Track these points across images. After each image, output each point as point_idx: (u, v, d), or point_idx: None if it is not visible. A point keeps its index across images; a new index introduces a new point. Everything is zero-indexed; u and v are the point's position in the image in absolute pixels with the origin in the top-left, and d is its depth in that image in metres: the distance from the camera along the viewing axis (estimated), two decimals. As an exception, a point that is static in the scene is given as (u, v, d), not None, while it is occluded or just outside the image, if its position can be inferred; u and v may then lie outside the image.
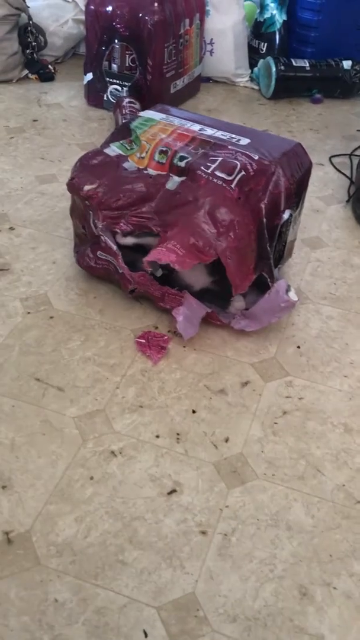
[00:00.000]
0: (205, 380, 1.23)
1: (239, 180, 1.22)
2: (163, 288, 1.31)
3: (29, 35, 2.46)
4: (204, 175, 1.22)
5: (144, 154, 1.30)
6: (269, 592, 0.90)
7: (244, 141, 1.33)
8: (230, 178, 1.21)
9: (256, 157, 1.26)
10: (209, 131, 1.35)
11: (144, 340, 1.29)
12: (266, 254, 1.26)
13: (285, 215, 1.29)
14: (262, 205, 1.24)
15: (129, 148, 1.33)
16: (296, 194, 1.33)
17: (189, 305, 1.28)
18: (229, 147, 1.29)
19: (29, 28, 2.44)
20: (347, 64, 2.53)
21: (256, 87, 2.63)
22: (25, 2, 2.43)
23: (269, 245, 1.27)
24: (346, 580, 0.92)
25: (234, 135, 1.35)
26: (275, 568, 0.93)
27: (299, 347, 1.33)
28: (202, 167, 1.23)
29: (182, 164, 1.25)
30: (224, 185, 1.21)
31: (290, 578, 0.92)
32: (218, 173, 1.22)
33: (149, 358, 1.26)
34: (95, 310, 1.37)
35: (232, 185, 1.21)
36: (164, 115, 1.41)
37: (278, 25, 2.58)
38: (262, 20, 2.60)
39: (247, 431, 1.13)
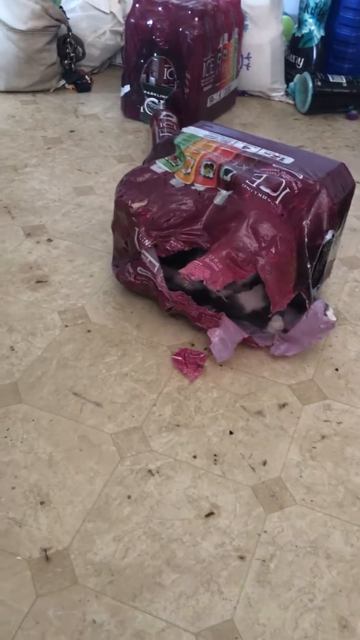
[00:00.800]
0: (242, 401, 1.22)
1: (283, 197, 1.22)
2: (200, 308, 1.30)
3: (68, 46, 2.48)
4: (249, 189, 1.22)
5: (189, 170, 1.30)
6: (308, 623, 0.89)
7: (288, 160, 1.32)
8: (274, 194, 1.21)
9: (301, 176, 1.25)
10: (253, 149, 1.35)
11: (180, 358, 1.29)
12: (306, 273, 1.25)
13: (328, 236, 1.28)
14: (305, 224, 1.23)
15: (174, 164, 1.33)
16: (339, 215, 1.32)
17: (225, 328, 1.27)
18: (274, 165, 1.29)
19: (68, 39, 2.47)
20: (384, 81, 2.52)
21: (291, 102, 2.62)
22: (65, 14, 2.45)
23: (310, 264, 1.26)
24: (387, 613, 0.91)
25: (277, 154, 1.34)
26: (314, 598, 0.92)
27: (337, 369, 1.32)
28: (247, 181, 1.23)
29: (228, 177, 1.25)
30: (269, 200, 1.21)
31: (330, 609, 0.91)
32: (263, 188, 1.22)
33: (185, 376, 1.26)
34: (132, 325, 1.37)
35: (277, 202, 1.21)
36: (207, 132, 1.41)
37: (316, 41, 2.58)
38: (299, 35, 2.60)
39: (285, 455, 1.12)
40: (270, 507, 1.03)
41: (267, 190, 1.22)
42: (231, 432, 1.15)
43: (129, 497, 1.02)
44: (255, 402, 1.22)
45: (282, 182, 1.24)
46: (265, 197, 1.22)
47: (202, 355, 1.30)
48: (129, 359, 1.28)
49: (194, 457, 1.10)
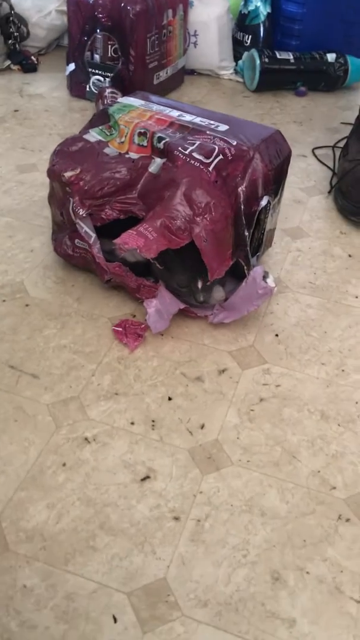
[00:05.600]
0: (182, 368, 1.22)
1: (216, 163, 1.21)
2: (139, 279, 1.29)
3: (11, 25, 2.43)
4: (181, 156, 1.21)
5: (123, 139, 1.29)
6: (241, 578, 0.89)
7: (223, 127, 1.32)
8: (207, 161, 1.20)
9: (234, 143, 1.25)
10: (188, 117, 1.34)
11: (121, 329, 1.28)
12: (243, 240, 1.25)
13: (263, 202, 1.28)
14: (240, 191, 1.23)
15: (108, 134, 1.32)
16: (275, 181, 1.32)
17: (161, 299, 1.26)
18: (207, 132, 1.28)
19: (11, 18, 2.42)
20: (331, 57, 2.53)
21: (240, 80, 2.62)
22: (7, -8, 2.40)
23: (247, 231, 1.26)
24: (319, 564, 0.92)
25: (212, 122, 1.34)
26: (248, 553, 0.92)
27: (277, 335, 1.32)
28: (180, 148, 1.22)
29: (161, 145, 1.24)
30: (201, 167, 1.20)
31: (263, 563, 0.91)
32: (195, 155, 1.21)
33: (125, 346, 1.25)
34: (73, 298, 1.36)
35: (210, 168, 1.20)
36: (143, 102, 1.40)
37: (262, 18, 2.57)
38: (246, 12, 2.59)
39: (223, 418, 1.12)
40: (206, 469, 1.03)
41: (200, 157, 1.22)
42: (170, 398, 1.15)
43: (64, 464, 1.01)
44: (195, 368, 1.22)
45: (215, 148, 1.23)
46: (198, 164, 1.21)
47: (142, 325, 1.29)
48: (68, 332, 1.27)
49: (132, 423, 1.10)
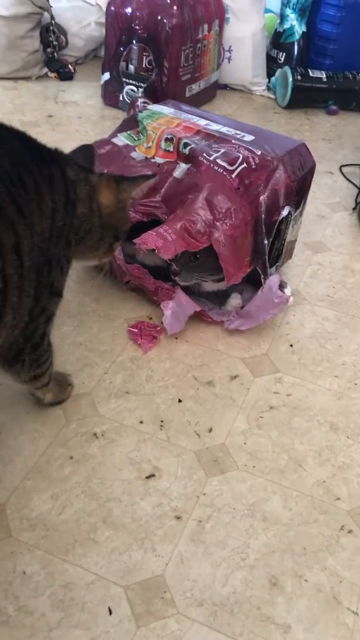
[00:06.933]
0: (194, 372, 1.23)
1: (240, 171, 1.23)
2: (157, 282, 1.31)
3: (51, 34, 2.50)
4: (205, 162, 1.23)
5: (150, 144, 1.31)
6: (238, 580, 0.89)
7: (249, 137, 1.34)
8: (231, 168, 1.22)
9: (259, 152, 1.27)
10: (215, 126, 1.36)
11: (136, 330, 1.29)
12: (262, 248, 1.26)
13: (284, 212, 1.29)
14: (262, 200, 1.24)
15: (136, 138, 1.34)
16: (297, 193, 1.33)
17: (178, 301, 1.28)
18: (233, 141, 1.30)
19: (51, 27, 2.48)
20: (364, 78, 2.54)
21: (272, 97, 2.64)
22: (48, 2, 2.47)
23: (267, 240, 1.27)
24: (318, 573, 0.91)
25: (238, 132, 1.36)
26: (247, 557, 0.92)
27: (291, 345, 1.32)
28: (205, 154, 1.24)
29: (186, 150, 1.26)
30: (225, 173, 1.22)
31: (262, 568, 0.91)
32: (220, 161, 1.23)
33: (140, 347, 1.26)
34: (91, 298, 1.38)
35: (233, 175, 1.22)
36: (172, 110, 1.42)
37: (297, 36, 2.60)
38: (281, 30, 2.62)
39: (231, 423, 1.13)
40: (211, 472, 1.04)
41: (224, 164, 1.23)
42: (180, 400, 1.16)
43: (71, 457, 1.03)
44: (207, 373, 1.23)
45: (240, 156, 1.25)
46: (222, 170, 1.23)
47: (158, 328, 1.30)
48: (84, 330, 1.29)
49: (141, 422, 1.11)
